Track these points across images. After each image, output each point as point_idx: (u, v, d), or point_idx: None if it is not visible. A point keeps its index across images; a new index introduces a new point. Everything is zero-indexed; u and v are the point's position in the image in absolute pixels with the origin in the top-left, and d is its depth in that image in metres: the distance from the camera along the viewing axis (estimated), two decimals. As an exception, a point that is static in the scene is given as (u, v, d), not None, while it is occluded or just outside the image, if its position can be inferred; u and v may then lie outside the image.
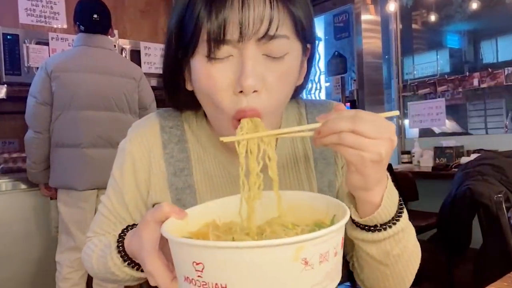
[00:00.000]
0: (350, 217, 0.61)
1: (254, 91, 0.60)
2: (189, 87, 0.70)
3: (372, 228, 0.62)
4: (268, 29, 0.59)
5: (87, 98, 2.21)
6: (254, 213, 0.56)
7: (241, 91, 0.60)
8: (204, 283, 0.44)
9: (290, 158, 0.77)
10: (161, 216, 0.56)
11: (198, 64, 0.63)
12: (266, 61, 0.61)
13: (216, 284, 0.44)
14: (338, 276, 0.50)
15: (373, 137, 0.52)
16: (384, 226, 0.61)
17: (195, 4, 0.61)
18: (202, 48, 0.61)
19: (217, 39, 0.59)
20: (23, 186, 2.50)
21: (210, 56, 0.61)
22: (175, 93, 0.73)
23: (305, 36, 0.65)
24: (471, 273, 2.07)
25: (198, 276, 0.44)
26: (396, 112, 0.60)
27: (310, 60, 0.72)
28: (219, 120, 0.65)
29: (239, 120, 0.61)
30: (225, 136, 0.58)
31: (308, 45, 0.69)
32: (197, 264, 0.44)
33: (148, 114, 0.81)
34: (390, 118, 0.58)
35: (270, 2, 0.59)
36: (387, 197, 0.59)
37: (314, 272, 0.44)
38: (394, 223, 0.62)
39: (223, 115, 0.63)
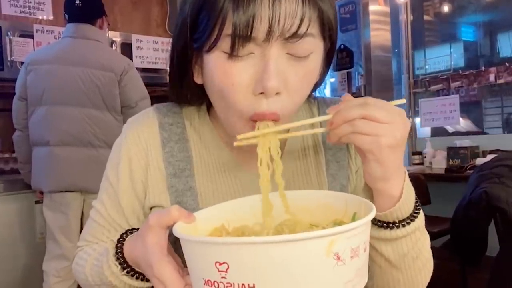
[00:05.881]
0: None
1: (276, 93, 0.59)
2: (198, 80, 0.69)
3: (391, 224, 0.64)
4: (298, 29, 0.57)
5: (58, 92, 2.17)
6: (269, 212, 0.57)
7: (261, 92, 0.59)
8: (229, 284, 0.44)
9: (300, 161, 0.77)
10: (168, 220, 0.56)
11: (216, 59, 0.61)
12: (289, 60, 0.60)
13: (243, 284, 0.43)
14: (366, 274, 0.50)
15: (386, 122, 0.56)
16: (403, 223, 0.64)
17: None
18: (223, 44, 0.59)
19: (243, 36, 0.57)
20: (5, 189, 2.49)
21: (232, 54, 0.58)
22: (181, 86, 0.72)
23: (331, 35, 0.65)
24: (486, 282, 2.07)
25: (222, 277, 0.44)
26: (402, 100, 0.63)
27: (329, 56, 0.71)
28: (232, 119, 0.64)
29: (255, 121, 0.61)
30: (236, 136, 0.59)
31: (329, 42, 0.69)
32: (221, 264, 0.44)
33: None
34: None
35: None
36: (406, 191, 0.62)
37: (346, 268, 0.45)
38: (413, 219, 0.64)
39: (238, 115, 0.62)
